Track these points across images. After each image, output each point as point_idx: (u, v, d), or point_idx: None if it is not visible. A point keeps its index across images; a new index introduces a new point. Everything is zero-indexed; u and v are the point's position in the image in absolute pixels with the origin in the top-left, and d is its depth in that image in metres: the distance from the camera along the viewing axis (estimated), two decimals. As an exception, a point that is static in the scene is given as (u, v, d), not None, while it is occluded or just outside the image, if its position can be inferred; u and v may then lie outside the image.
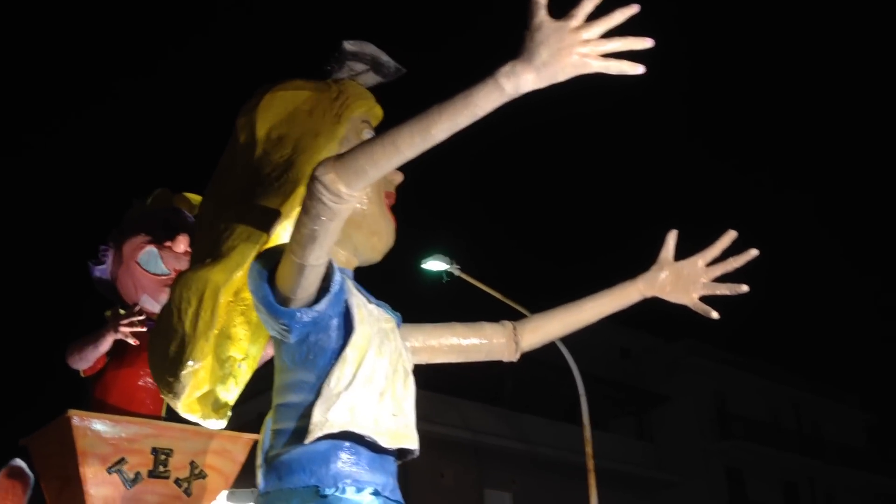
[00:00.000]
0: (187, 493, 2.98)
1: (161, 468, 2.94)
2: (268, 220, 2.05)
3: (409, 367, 2.06)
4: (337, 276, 1.89)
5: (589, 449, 12.03)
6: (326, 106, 2.06)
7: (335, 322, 1.90)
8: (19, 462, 2.71)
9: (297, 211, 1.98)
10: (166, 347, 2.04)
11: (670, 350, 23.21)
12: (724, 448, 22.24)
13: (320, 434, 1.81)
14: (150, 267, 3.20)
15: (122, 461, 2.89)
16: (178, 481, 2.97)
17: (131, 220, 3.37)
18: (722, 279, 2.25)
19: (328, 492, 1.80)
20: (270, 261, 1.90)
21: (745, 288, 2.21)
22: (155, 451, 2.94)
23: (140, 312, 3.10)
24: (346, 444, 1.84)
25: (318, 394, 1.84)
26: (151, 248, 3.21)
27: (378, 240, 2.05)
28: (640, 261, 2.31)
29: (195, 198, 3.38)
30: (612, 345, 23.81)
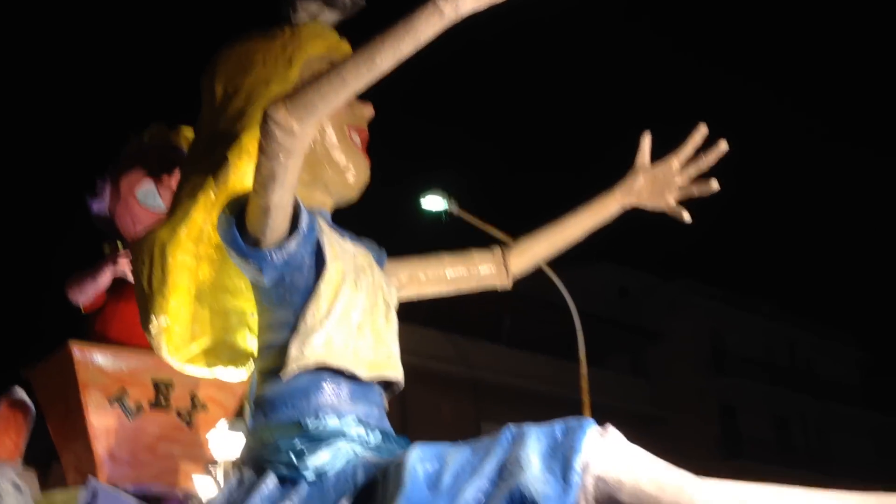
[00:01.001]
0: (189, 424, 3.03)
1: (162, 400, 2.99)
2: (215, 172, 2.07)
3: (392, 301, 2.08)
4: (305, 216, 1.90)
5: (584, 385, 12.20)
6: (278, 52, 2.05)
7: (308, 260, 1.92)
8: (20, 393, 2.75)
9: (249, 158, 2.03)
10: (138, 306, 2.11)
11: (668, 289, 23.37)
12: (718, 385, 22.58)
13: (297, 369, 1.86)
14: (148, 202, 3.21)
15: (123, 393, 2.94)
16: (179, 413, 3.02)
17: (128, 155, 3.35)
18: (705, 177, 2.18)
19: (309, 423, 1.84)
20: (237, 206, 1.92)
21: (715, 186, 2.15)
22: (156, 383, 2.98)
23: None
24: (326, 376, 1.88)
25: (294, 331, 1.88)
26: (149, 184, 3.22)
27: (348, 176, 2.05)
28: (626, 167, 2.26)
29: (193, 133, 3.36)
30: (611, 284, 23.94)
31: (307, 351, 1.86)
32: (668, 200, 2.20)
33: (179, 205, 2.07)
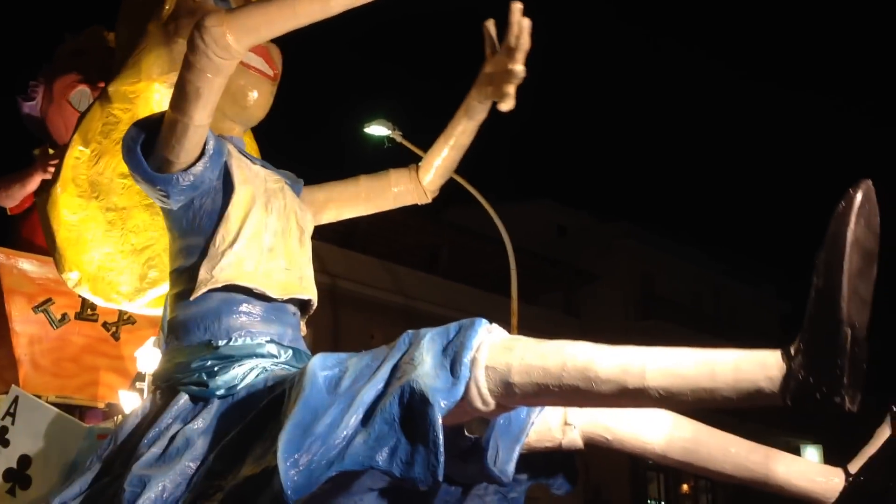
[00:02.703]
0: (115, 336, 3.00)
1: (89, 311, 2.95)
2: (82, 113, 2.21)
3: (306, 226, 2.10)
4: (212, 139, 1.90)
5: (514, 321, 12.42)
6: None
7: (217, 184, 1.93)
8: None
9: (123, 90, 2.07)
10: None
11: (605, 230, 23.72)
12: (644, 327, 23.21)
13: (205, 289, 1.88)
14: (82, 107, 3.09)
15: (48, 301, 2.89)
16: (105, 325, 2.99)
17: (63, 56, 3.23)
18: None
19: (220, 343, 1.86)
20: (143, 130, 1.90)
21: (519, 67, 2.08)
22: (83, 293, 2.93)
23: (70, 153, 3.01)
24: (238, 298, 1.90)
25: (204, 254, 1.90)
26: (84, 88, 3.11)
27: (241, 97, 2.04)
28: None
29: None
30: (550, 222, 24.19)
31: (216, 272, 1.87)
32: (502, 90, 2.14)
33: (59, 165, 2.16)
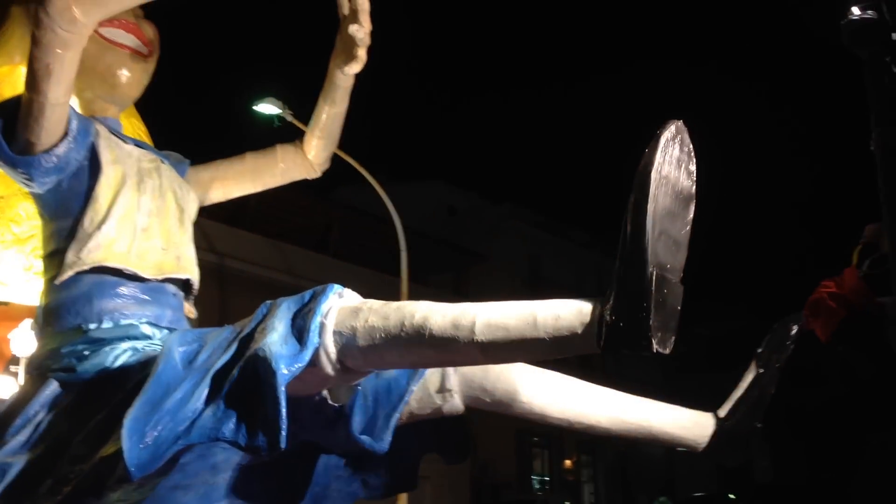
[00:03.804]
0: (-13, 317, 2.88)
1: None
2: None
3: (187, 206, 2.08)
4: (74, 119, 1.87)
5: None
6: None
7: (85, 165, 1.89)
8: None
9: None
10: None
11: (494, 211, 24.10)
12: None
13: (72, 272, 1.84)
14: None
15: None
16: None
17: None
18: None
19: (91, 327, 1.83)
20: (2, 114, 1.85)
21: (354, 28, 2.08)
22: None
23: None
24: (110, 280, 1.86)
25: (72, 236, 1.86)
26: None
27: (111, 76, 2.01)
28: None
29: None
30: (440, 202, 24.36)
31: (84, 254, 1.84)
32: (352, 52, 2.14)
33: None
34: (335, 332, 1.51)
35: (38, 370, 1.86)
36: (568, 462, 23.85)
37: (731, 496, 18.44)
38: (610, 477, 25.14)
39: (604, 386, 1.90)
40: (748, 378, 1.89)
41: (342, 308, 1.54)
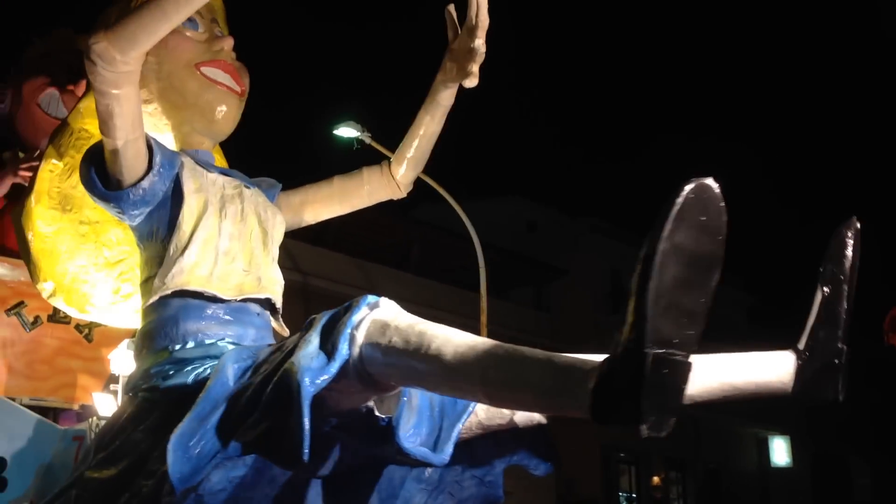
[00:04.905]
0: (88, 338, 3.01)
1: (61, 313, 2.95)
2: (53, 137, 2.27)
3: (272, 229, 2.13)
4: (157, 153, 1.95)
5: (483, 318, 12.50)
6: None
7: (170, 196, 1.98)
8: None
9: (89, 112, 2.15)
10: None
11: (574, 226, 23.90)
12: (614, 321, 23.43)
13: (157, 297, 1.93)
14: (51, 110, 3.10)
15: (20, 304, 2.89)
16: (78, 327, 2.99)
17: (31, 59, 3.22)
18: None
19: (176, 348, 1.90)
20: (97, 150, 1.96)
21: (479, 42, 2.11)
22: (55, 296, 2.93)
23: (40, 157, 3.01)
24: (193, 303, 1.93)
25: (160, 264, 1.95)
26: (53, 91, 3.11)
27: (210, 112, 2.10)
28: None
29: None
30: (520, 218, 24.30)
31: (168, 279, 1.91)
32: (466, 68, 2.17)
33: (34, 176, 2.21)
34: (365, 345, 1.49)
35: (132, 390, 1.95)
36: (656, 479, 23.32)
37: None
38: (700, 495, 24.46)
39: None
40: (817, 300, 1.73)
41: (375, 320, 1.52)
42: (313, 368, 1.46)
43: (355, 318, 1.52)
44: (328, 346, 1.50)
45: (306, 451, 1.41)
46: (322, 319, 1.57)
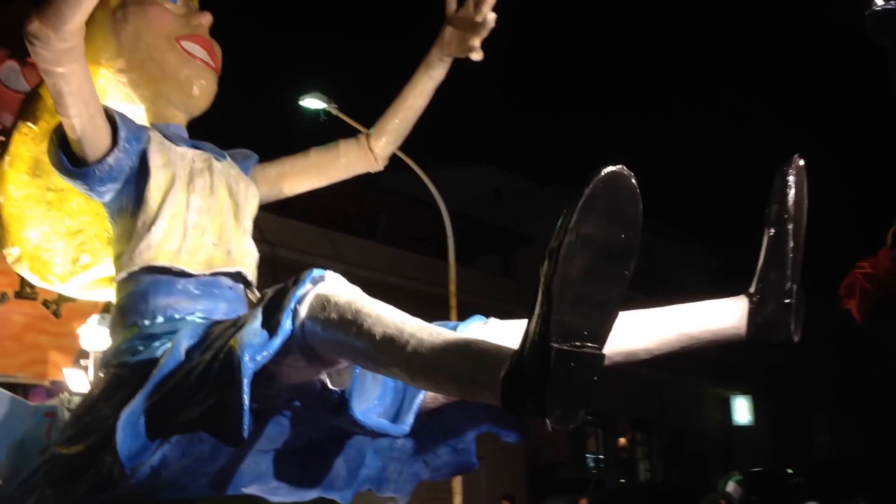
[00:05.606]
0: (56, 314, 3.01)
1: (28, 289, 2.95)
2: (25, 105, 2.20)
3: (244, 202, 2.12)
4: (122, 129, 1.94)
5: (452, 287, 12.58)
6: None
7: (137, 171, 1.97)
8: None
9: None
10: None
11: (540, 193, 23.99)
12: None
13: (126, 273, 1.94)
14: (11, 83, 3.06)
15: (-14, 281, 2.86)
16: (45, 303, 2.99)
17: (-11, 31, 3.15)
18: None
19: (146, 324, 1.91)
20: (61, 131, 1.95)
21: (491, 15, 2.11)
22: (22, 272, 2.92)
23: (2, 131, 2.97)
24: (162, 278, 1.93)
25: (129, 239, 1.95)
26: (12, 64, 3.06)
27: (188, 87, 2.09)
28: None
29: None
30: (486, 186, 24.34)
31: (135, 255, 1.92)
32: (469, 43, 2.18)
33: (8, 139, 2.14)
34: (307, 320, 1.49)
35: (105, 366, 1.95)
36: (622, 440, 23.76)
37: (789, 471, 18.21)
38: (665, 454, 24.99)
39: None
40: (764, 243, 1.74)
41: (318, 294, 1.51)
42: (254, 345, 1.46)
43: (300, 292, 1.51)
44: (272, 322, 1.49)
45: (245, 427, 1.41)
46: (271, 291, 1.58)
